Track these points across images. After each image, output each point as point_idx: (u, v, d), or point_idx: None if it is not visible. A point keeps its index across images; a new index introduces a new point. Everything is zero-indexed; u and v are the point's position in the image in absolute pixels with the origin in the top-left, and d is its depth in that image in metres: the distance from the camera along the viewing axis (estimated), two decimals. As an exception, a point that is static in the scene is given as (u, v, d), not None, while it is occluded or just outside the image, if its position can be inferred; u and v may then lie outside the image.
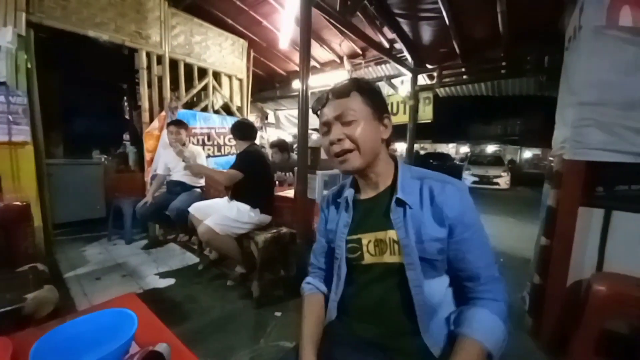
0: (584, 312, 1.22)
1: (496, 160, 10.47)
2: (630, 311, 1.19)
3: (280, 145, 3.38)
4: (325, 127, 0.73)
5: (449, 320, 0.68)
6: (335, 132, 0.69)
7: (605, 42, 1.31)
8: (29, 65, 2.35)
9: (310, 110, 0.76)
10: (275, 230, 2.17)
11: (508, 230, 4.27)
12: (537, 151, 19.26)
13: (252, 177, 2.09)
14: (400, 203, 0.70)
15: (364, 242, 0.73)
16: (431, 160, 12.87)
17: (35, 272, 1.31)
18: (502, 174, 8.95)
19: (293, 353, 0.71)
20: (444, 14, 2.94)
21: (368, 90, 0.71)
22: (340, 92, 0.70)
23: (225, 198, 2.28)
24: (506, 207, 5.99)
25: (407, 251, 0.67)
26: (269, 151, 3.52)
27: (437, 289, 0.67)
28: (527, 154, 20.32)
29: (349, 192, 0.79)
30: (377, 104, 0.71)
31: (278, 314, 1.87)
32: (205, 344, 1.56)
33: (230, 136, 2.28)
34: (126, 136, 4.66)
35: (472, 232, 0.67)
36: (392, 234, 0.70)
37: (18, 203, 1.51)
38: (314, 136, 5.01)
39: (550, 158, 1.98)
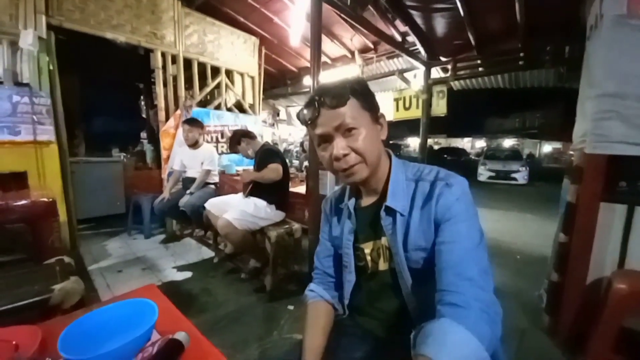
0: (604, 310, 1.19)
1: (514, 155, 10.13)
2: (653, 310, 1.15)
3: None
4: (322, 139, 0.66)
5: None
6: (338, 146, 0.62)
7: (627, 31, 1.25)
8: (51, 67, 2.45)
9: (299, 121, 0.71)
10: (287, 226, 2.20)
11: (525, 226, 4.15)
12: (558, 145, 18.53)
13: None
14: (390, 210, 0.66)
15: (367, 251, 0.73)
16: (445, 155, 12.63)
17: (61, 265, 1.38)
18: (520, 168, 8.67)
19: (298, 347, 0.72)
20: (459, 5, 2.86)
21: (362, 93, 0.65)
22: (336, 101, 0.62)
23: (240, 194, 2.33)
24: (524, 203, 5.82)
25: (397, 259, 0.66)
26: (280, 148, 3.57)
27: (430, 294, 0.58)
28: (547, 148, 19.61)
29: (350, 201, 0.77)
30: (373, 105, 0.67)
31: (291, 307, 1.90)
32: (220, 336, 1.62)
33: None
34: (143, 134, 4.80)
35: (453, 223, 0.59)
36: (384, 240, 0.69)
37: (45, 199, 1.59)
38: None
39: (571, 152, 1.91)
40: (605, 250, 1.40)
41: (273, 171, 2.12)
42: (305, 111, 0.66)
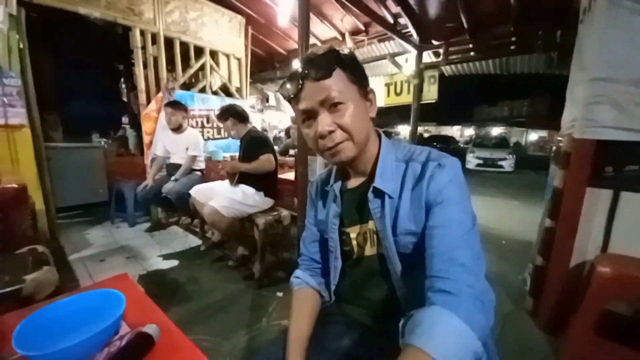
0: (586, 293, 1.21)
1: (501, 143, 10.33)
2: (634, 293, 1.17)
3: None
4: (306, 115, 0.61)
5: None
6: (323, 121, 0.58)
7: (621, 13, 1.22)
8: (21, 46, 2.28)
9: (282, 97, 0.65)
10: (276, 213, 2.16)
11: (511, 213, 4.25)
12: (543, 133, 18.91)
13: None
14: (378, 192, 0.63)
15: (352, 235, 0.70)
16: (435, 143, 12.71)
17: (34, 254, 1.32)
18: (507, 156, 8.85)
19: (285, 335, 0.69)
20: (452, -15, 2.78)
21: (350, 64, 0.60)
22: (321, 72, 0.57)
23: (226, 181, 2.26)
24: (510, 190, 5.94)
25: (385, 244, 0.62)
26: (270, 135, 3.50)
27: (421, 280, 0.55)
28: (533, 136, 20.00)
29: (335, 183, 0.73)
30: (362, 79, 0.62)
31: (280, 294, 1.89)
32: (207, 324, 1.59)
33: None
34: (125, 119, 4.60)
35: (445, 207, 0.56)
36: (372, 224, 0.65)
37: (14, 185, 1.50)
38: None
39: (559, 138, 1.91)
40: (589, 234, 1.43)
41: (266, 163, 2.05)
42: (287, 84, 0.60)
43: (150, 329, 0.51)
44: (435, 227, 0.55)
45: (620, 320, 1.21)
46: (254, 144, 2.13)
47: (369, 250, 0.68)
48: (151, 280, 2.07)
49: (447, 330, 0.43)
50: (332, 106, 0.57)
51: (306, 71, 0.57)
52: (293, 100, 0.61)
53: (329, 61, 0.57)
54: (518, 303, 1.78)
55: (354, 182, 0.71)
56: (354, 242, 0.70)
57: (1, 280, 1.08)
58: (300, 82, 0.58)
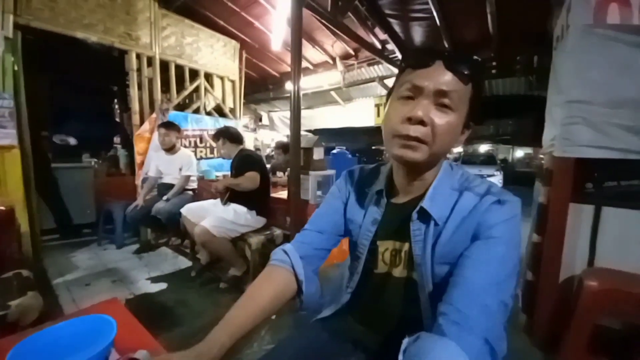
0: (576, 308, 1.23)
1: (489, 160, 10.63)
2: (621, 306, 1.20)
3: (284, 147, 3.42)
4: (411, 93, 0.54)
5: None
6: (423, 108, 0.52)
7: (593, 40, 1.32)
8: (16, 68, 2.30)
9: (402, 59, 0.61)
10: (268, 232, 2.16)
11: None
12: (529, 150, 19.52)
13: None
14: (424, 215, 0.58)
15: (381, 249, 0.66)
16: (425, 161, 12.95)
17: (19, 279, 1.27)
18: (495, 173, 9.07)
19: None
20: (435, 14, 2.97)
21: (480, 89, 0.56)
22: (460, 69, 0.51)
23: (218, 200, 2.25)
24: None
25: (421, 271, 0.58)
26: (263, 154, 3.54)
27: None
28: (519, 153, 20.58)
29: (384, 188, 0.67)
30: (477, 107, 0.57)
31: (273, 316, 1.84)
32: (197, 349, 1.53)
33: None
34: (117, 139, 4.58)
35: (492, 244, 0.51)
36: (407, 246, 0.61)
37: (1, 208, 1.47)
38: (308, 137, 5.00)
39: (541, 156, 2.00)
40: (575, 249, 1.46)
41: (249, 180, 2.06)
42: (420, 51, 0.56)
43: (141, 355, 0.50)
44: (473, 259, 0.51)
45: (611, 335, 1.22)
46: (243, 162, 2.16)
47: (399, 272, 0.64)
48: (139, 304, 2.00)
49: None
50: (441, 105, 0.53)
51: (448, 54, 0.52)
52: (409, 69, 0.55)
53: (475, 68, 0.53)
54: (512, 320, 1.77)
55: (400, 197, 0.66)
56: (380, 257, 0.66)
57: (-16, 306, 1.04)
58: (437, 58, 0.52)
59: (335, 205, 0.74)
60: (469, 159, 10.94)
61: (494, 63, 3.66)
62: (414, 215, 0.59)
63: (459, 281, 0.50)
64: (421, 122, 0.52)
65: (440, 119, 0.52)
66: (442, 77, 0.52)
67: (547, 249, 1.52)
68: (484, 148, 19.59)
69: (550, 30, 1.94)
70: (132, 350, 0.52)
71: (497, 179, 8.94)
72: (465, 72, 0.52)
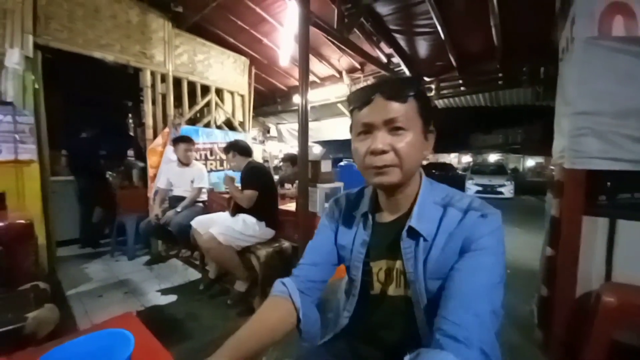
0: (593, 324, 1.19)
1: (499, 169, 10.42)
2: (640, 323, 1.16)
3: (291, 159, 3.46)
4: (364, 129, 0.60)
5: None
6: (380, 139, 0.57)
7: (598, 52, 1.33)
8: (36, 86, 2.42)
9: (348, 103, 0.65)
10: (277, 244, 2.16)
11: (514, 240, 4.20)
12: (540, 159, 19.19)
13: (260, 191, 2.12)
14: (413, 233, 0.61)
15: (375, 269, 0.68)
16: (433, 170, 12.85)
17: (36, 291, 1.31)
18: (506, 182, 8.89)
19: None
20: (439, 29, 3.02)
21: (424, 99, 0.60)
22: (396, 94, 0.56)
23: (227, 213, 2.28)
24: (511, 217, 5.91)
25: (415, 287, 0.60)
26: (271, 165, 3.58)
27: None
28: (530, 162, 20.25)
29: (369, 212, 0.70)
30: (429, 116, 0.61)
31: (273, 345, 1.82)
32: (206, 363, 1.53)
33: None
34: (130, 152, 4.71)
35: (479, 255, 0.54)
36: (400, 264, 0.63)
37: (22, 221, 1.52)
38: (315, 149, 5.06)
39: (552, 167, 1.97)
40: (591, 263, 1.42)
41: (246, 198, 2.10)
42: (358, 93, 0.61)
43: (158, 368, 0.52)
44: (462, 271, 0.54)
45: (629, 352, 1.17)
46: (246, 176, 2.20)
47: (394, 291, 0.66)
48: (149, 316, 2.01)
49: None
50: (394, 129, 0.57)
51: (382, 87, 0.58)
52: (356, 110, 0.61)
53: (409, 87, 0.58)
54: (527, 336, 1.72)
55: (386, 216, 0.69)
56: (375, 277, 0.68)
57: (4, 317, 1.06)
58: (372, 94, 0.58)
59: (326, 235, 0.77)
60: (478, 169, 10.72)
61: (500, 74, 3.68)
62: (404, 234, 0.62)
63: (451, 294, 0.52)
64: (383, 152, 0.57)
65: (398, 142, 0.57)
66: (385, 108, 0.57)
67: (562, 263, 1.48)
68: (493, 157, 19.37)
69: (556, 41, 1.95)
70: (149, 364, 0.53)
71: (508, 189, 8.78)
72: (402, 94, 0.57)
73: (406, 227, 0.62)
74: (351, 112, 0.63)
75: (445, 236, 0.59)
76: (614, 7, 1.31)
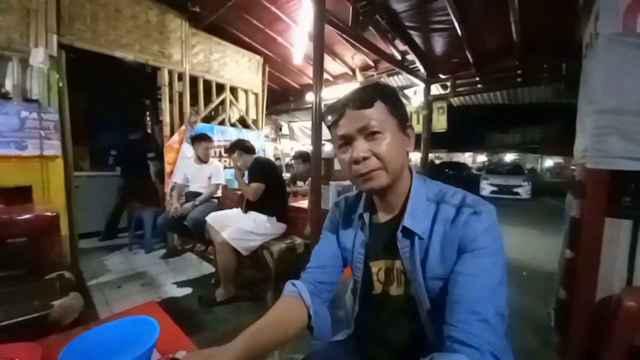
0: (613, 329, 1.15)
1: (515, 169, 10.12)
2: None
3: (303, 156, 3.47)
4: (343, 141, 0.62)
5: None
6: (359, 148, 0.59)
7: (623, 48, 1.28)
8: (61, 84, 2.52)
9: (323, 122, 0.67)
10: (289, 241, 2.19)
11: (530, 242, 4.09)
12: (559, 159, 18.52)
13: (267, 185, 2.16)
14: (408, 232, 0.62)
15: (374, 270, 0.69)
16: (447, 170, 12.62)
17: (61, 280, 1.37)
18: (523, 183, 8.63)
19: None
20: (456, 25, 2.96)
21: (391, 98, 0.62)
22: (362, 102, 0.59)
23: (239, 209, 2.33)
24: (528, 218, 5.76)
25: (415, 286, 0.61)
26: (283, 162, 3.61)
27: None
28: (549, 162, 19.59)
29: (365, 213, 0.72)
30: (401, 113, 0.63)
31: (286, 343, 1.85)
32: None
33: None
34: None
35: (477, 255, 0.55)
36: (399, 264, 0.65)
37: (48, 214, 1.59)
38: (327, 147, 5.06)
39: (573, 167, 1.91)
40: (612, 266, 1.38)
41: (253, 191, 2.14)
42: (329, 111, 0.64)
43: (181, 355, 0.54)
44: (463, 275, 0.54)
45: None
46: (252, 170, 2.25)
47: (395, 290, 0.67)
48: (165, 307, 2.06)
49: None
50: (370, 134, 0.59)
51: (349, 100, 0.60)
52: (332, 125, 0.64)
53: (371, 93, 0.60)
54: (544, 340, 1.68)
55: (382, 217, 0.70)
56: (375, 277, 0.69)
57: (31, 305, 1.12)
58: (342, 109, 0.61)
59: (330, 238, 0.79)
60: (494, 169, 10.45)
61: (519, 71, 3.56)
62: (399, 234, 0.63)
63: (455, 300, 0.53)
64: (364, 159, 0.59)
65: (377, 146, 0.59)
66: (356, 118, 0.60)
67: (582, 266, 1.44)
68: (510, 157, 18.84)
69: (580, 37, 1.89)
70: (172, 351, 0.56)
71: (525, 190, 8.52)
72: (368, 101, 0.59)
73: (400, 227, 0.63)
74: (329, 128, 0.66)
75: (441, 234, 0.60)
76: (638, 2, 1.26)
